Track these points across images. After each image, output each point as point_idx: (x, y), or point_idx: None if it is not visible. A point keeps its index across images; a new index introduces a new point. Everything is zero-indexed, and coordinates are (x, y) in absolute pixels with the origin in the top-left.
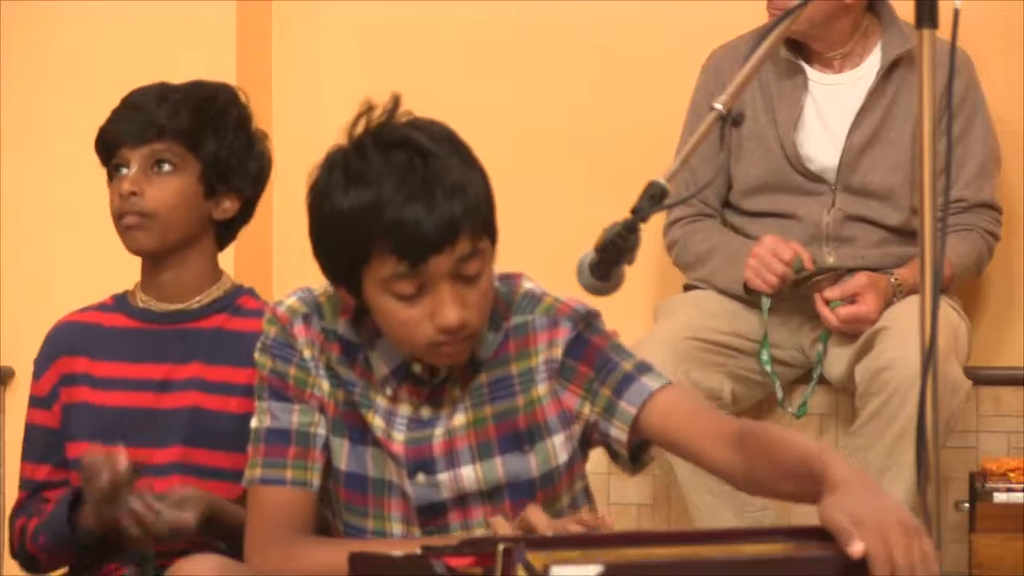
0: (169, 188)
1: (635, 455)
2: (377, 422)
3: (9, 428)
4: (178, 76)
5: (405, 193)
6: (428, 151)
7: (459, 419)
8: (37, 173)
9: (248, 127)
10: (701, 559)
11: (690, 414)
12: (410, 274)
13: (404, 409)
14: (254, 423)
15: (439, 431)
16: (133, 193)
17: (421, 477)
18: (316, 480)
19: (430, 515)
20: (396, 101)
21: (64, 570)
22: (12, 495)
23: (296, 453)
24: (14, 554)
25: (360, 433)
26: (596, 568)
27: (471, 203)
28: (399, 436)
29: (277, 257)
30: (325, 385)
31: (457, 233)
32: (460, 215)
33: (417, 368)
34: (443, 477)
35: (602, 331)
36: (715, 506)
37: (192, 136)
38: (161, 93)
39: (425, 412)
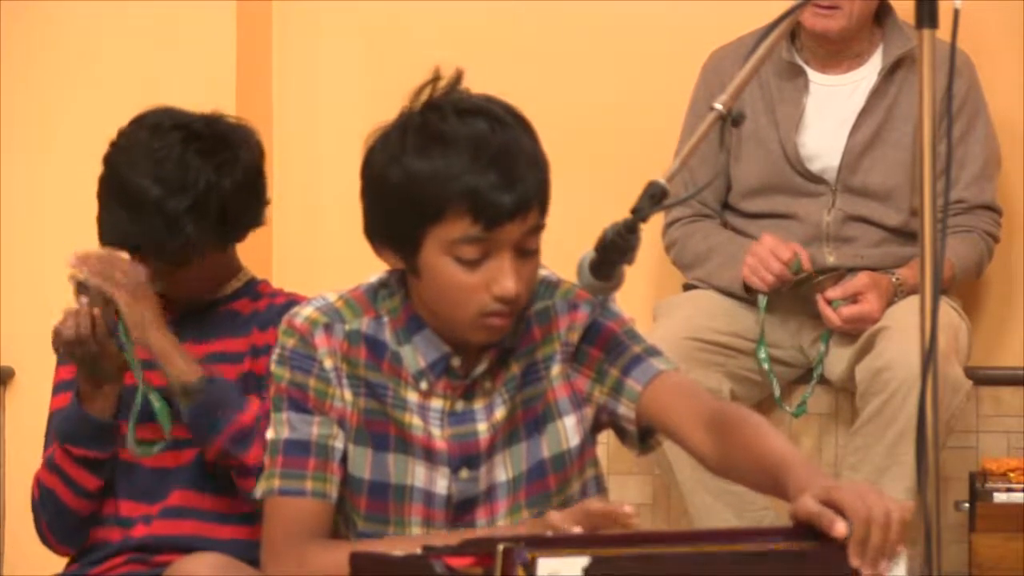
0: (193, 274)
1: (643, 437)
2: (415, 421)
3: (9, 428)
4: (178, 76)
5: (487, 158)
6: (505, 121)
7: (500, 413)
8: (37, 173)
9: (248, 173)
10: (687, 553)
11: (680, 396)
12: (480, 238)
13: (436, 403)
14: (270, 434)
15: (483, 426)
16: (160, 290)
17: (465, 472)
18: (334, 492)
19: (463, 511)
20: (459, 75)
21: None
22: (12, 494)
23: (316, 465)
24: (35, 509)
25: (383, 440)
26: (583, 560)
27: (543, 177)
28: (437, 432)
29: (277, 257)
30: (347, 395)
31: (530, 204)
32: (536, 187)
33: (456, 362)
34: (482, 470)
35: (617, 315)
36: (715, 506)
37: (218, 240)
38: (161, 198)
39: (459, 405)
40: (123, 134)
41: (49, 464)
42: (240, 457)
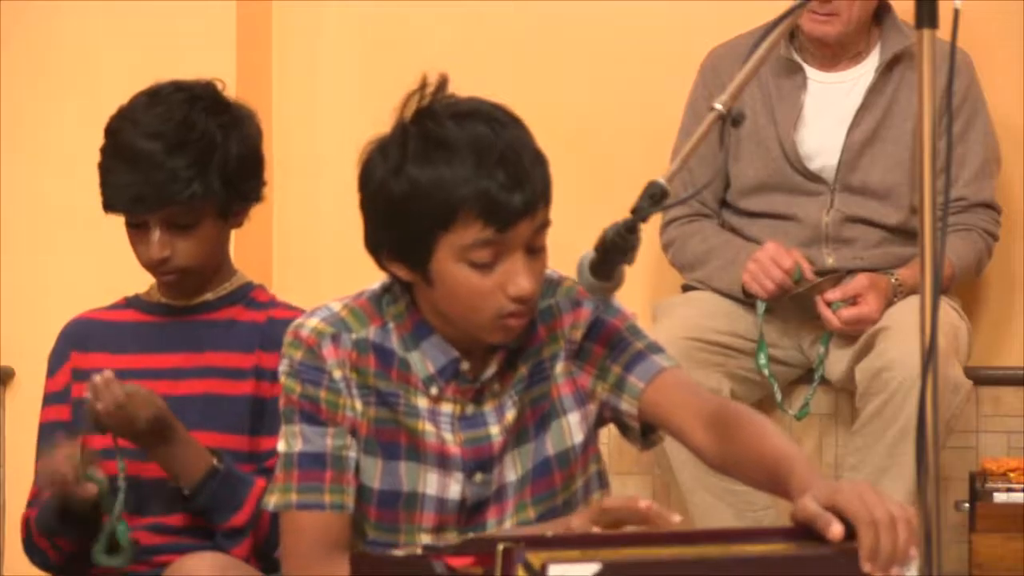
0: (197, 241)
1: (645, 432)
2: (428, 428)
3: (9, 428)
4: (178, 76)
5: (493, 160)
6: (502, 121)
7: (511, 414)
8: (37, 173)
9: (250, 143)
10: (700, 558)
11: (681, 394)
12: (494, 241)
13: (447, 408)
14: (283, 447)
15: (495, 429)
16: (165, 258)
17: (479, 476)
18: (351, 502)
19: (474, 512)
20: (445, 80)
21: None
22: (12, 495)
23: (333, 477)
24: (25, 549)
25: (393, 449)
26: (594, 567)
27: (547, 173)
28: (450, 437)
29: (277, 255)
30: (358, 405)
31: (539, 201)
32: (542, 183)
33: (465, 366)
34: (495, 472)
35: (619, 312)
36: (715, 506)
37: (209, 197)
38: (166, 153)
39: (469, 409)
40: (123, 106)
41: (40, 526)
42: (226, 548)
